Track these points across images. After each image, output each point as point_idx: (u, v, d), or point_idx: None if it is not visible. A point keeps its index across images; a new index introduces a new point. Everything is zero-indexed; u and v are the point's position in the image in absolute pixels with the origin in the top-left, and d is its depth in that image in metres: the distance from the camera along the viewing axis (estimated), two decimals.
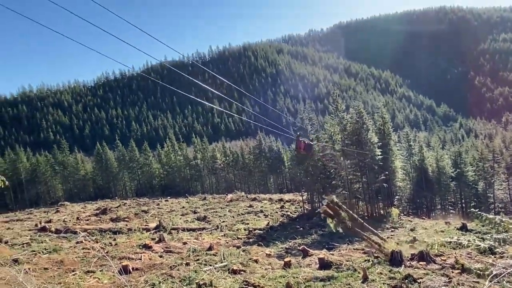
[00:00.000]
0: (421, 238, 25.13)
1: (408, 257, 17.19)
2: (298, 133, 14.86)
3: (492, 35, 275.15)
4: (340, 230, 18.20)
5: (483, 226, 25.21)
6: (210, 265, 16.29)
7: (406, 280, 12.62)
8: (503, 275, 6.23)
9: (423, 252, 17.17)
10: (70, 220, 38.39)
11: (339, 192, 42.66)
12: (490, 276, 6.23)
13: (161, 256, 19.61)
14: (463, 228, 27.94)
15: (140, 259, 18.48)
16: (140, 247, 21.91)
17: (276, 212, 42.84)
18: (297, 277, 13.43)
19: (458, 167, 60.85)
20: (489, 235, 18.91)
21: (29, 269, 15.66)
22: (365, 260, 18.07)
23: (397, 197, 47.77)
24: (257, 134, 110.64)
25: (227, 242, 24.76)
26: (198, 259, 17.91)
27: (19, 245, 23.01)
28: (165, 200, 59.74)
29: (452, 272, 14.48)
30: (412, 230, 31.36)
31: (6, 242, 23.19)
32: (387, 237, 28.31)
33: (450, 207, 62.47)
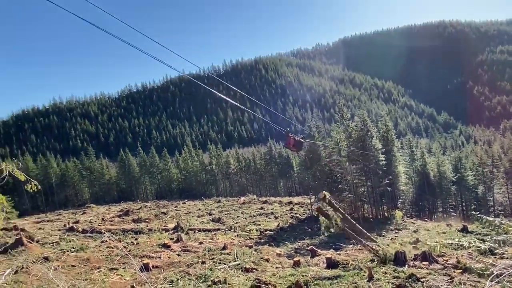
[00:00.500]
0: (423, 239, 24.67)
1: (411, 257, 16.90)
2: (287, 129, 13.77)
3: (489, 47, 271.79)
4: (332, 231, 17.33)
5: (483, 228, 24.69)
6: (224, 264, 16.26)
7: (410, 279, 12.40)
8: (504, 275, 6.07)
9: (426, 253, 16.87)
10: (95, 221, 38.75)
11: (345, 195, 42.25)
12: (491, 276, 6.07)
13: (179, 255, 19.64)
14: (464, 230, 27.40)
15: (160, 258, 18.53)
16: (160, 246, 22.01)
17: (286, 214, 42.58)
18: (306, 276, 13.31)
19: (458, 171, 59.86)
20: (489, 237, 18.50)
21: (58, 266, 15.83)
22: (371, 260, 17.83)
23: (400, 200, 47.07)
24: (268, 141, 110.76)
25: (240, 242, 24.68)
26: (213, 258, 17.90)
27: (49, 244, 23.33)
28: (183, 203, 59.89)
29: (454, 272, 14.20)
30: (415, 231, 30.85)
31: (37, 241, 23.54)
32: (391, 238, 27.89)
33: (451, 210, 61.34)
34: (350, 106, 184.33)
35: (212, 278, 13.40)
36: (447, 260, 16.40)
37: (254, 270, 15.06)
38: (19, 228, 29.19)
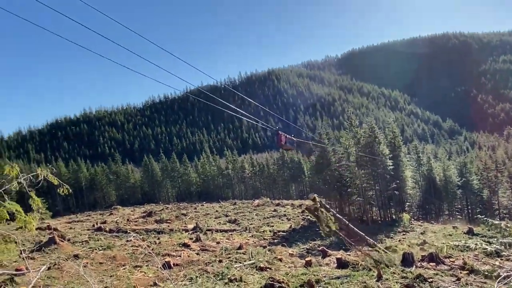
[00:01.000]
0: (430, 241, 24.03)
1: (419, 258, 16.49)
2: (277, 127, 13.23)
3: (492, 56, 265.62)
4: (329, 234, 16.64)
5: (488, 230, 23.93)
6: (240, 263, 16.17)
7: (418, 280, 12.07)
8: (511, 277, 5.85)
9: (433, 254, 16.44)
10: (121, 222, 39.13)
11: (355, 198, 41.67)
12: (499, 278, 5.84)
13: (197, 254, 19.64)
14: (470, 232, 26.59)
15: (180, 256, 18.56)
16: (180, 245, 22.05)
17: (298, 216, 42.17)
18: (317, 275, 13.11)
19: (463, 176, 58.37)
20: (495, 239, 17.89)
21: (87, 263, 16.03)
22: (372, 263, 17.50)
23: (407, 203, 46.14)
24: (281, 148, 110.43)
25: (255, 242, 24.55)
26: (229, 257, 17.82)
27: (79, 243, 23.66)
28: (201, 205, 60.10)
29: (461, 272, 13.79)
30: (422, 233, 30.11)
31: (68, 240, 23.90)
32: (399, 240, 27.28)
33: (457, 213, 59.73)
34: (358, 114, 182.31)
35: (228, 276, 13.33)
36: (453, 261, 15.94)
37: (268, 269, 14.92)
38: (52, 228, 29.68)
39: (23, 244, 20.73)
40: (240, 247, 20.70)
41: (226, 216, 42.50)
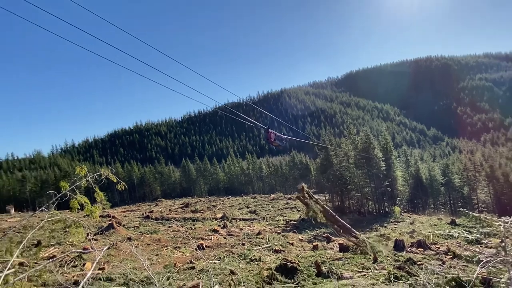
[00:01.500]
0: (418, 230, 23.15)
1: (409, 244, 15.92)
2: (266, 126, 11.91)
3: (469, 75, 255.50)
4: (318, 220, 15.04)
5: (469, 222, 22.87)
6: (259, 246, 16.06)
7: (408, 262, 11.64)
8: (492, 262, 5.54)
9: (421, 241, 15.85)
10: (164, 211, 39.69)
11: (353, 194, 40.73)
12: (481, 263, 5.53)
13: (225, 238, 19.66)
14: (453, 223, 25.46)
15: (211, 240, 18.63)
16: (211, 231, 22.16)
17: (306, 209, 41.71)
18: (323, 257, 12.85)
19: (446, 175, 56.03)
20: (475, 229, 17.10)
21: (138, 244, 16.33)
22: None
23: (398, 198, 44.63)
24: (291, 152, 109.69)
25: (271, 229, 24.36)
26: (250, 241, 17.75)
27: (131, 228, 24.12)
28: (227, 198, 60.27)
29: (445, 257, 13.24)
30: (411, 223, 29.04)
31: (123, 225, 24.43)
32: (391, 229, 26.39)
33: (441, 206, 57.24)
34: (356, 124, 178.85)
35: (250, 256, 13.26)
36: (439, 248, 15.31)
37: (282, 251, 14.75)
38: (111, 216, 30.33)
39: (89, 229, 21.33)
40: (259, 233, 20.59)
41: (247, 207, 42.43)
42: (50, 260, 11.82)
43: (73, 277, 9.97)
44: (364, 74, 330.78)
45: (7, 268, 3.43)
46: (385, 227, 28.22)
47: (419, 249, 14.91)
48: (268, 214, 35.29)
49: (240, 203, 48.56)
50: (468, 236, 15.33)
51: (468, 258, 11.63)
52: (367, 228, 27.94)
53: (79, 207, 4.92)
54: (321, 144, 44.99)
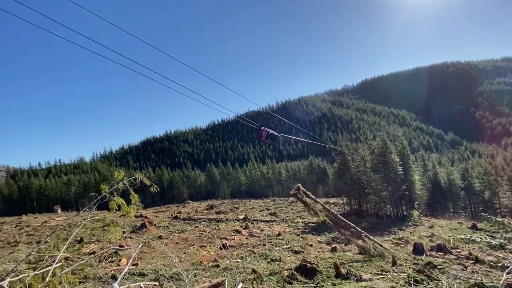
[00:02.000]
0: (438, 234, 21.85)
1: (428, 248, 15.04)
2: (259, 123, 10.78)
3: (488, 79, 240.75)
4: (315, 219, 14.06)
5: (491, 226, 21.24)
6: (279, 246, 15.84)
7: (428, 266, 10.95)
8: None
9: (441, 245, 14.90)
10: (191, 212, 40.23)
11: (371, 197, 39.30)
12: (508, 269, 5.11)
13: (247, 238, 19.59)
14: (474, 227, 23.78)
15: (234, 240, 18.63)
16: (233, 231, 22.15)
17: None
18: (341, 259, 12.44)
19: (466, 179, 52.61)
20: (498, 234, 15.89)
21: (167, 242, 16.65)
22: (394, 249, 16.18)
23: (416, 202, 42.46)
24: (309, 157, 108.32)
25: (290, 231, 23.99)
26: (271, 242, 17.55)
27: (162, 227, 24.64)
28: (249, 201, 60.23)
29: (467, 262, 12.33)
30: (430, 227, 27.44)
31: (155, 225, 25.02)
32: (410, 232, 25.12)
33: (461, 210, 53.66)
34: (372, 130, 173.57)
35: (270, 257, 13.11)
36: (460, 252, 14.34)
37: (301, 252, 14.45)
38: (143, 216, 31.02)
39: (124, 227, 22.03)
40: (279, 234, 20.35)
41: (268, 210, 42.13)
42: (91, 256, 12.32)
43: (110, 271, 10.32)
44: (379, 81, 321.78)
45: (55, 262, 3.61)
46: (403, 230, 26.92)
47: (439, 253, 14.03)
48: (287, 216, 34.85)
49: (260, 206, 48.35)
50: (491, 241, 14.23)
51: (491, 263, 10.78)
52: (385, 231, 26.78)
53: (116, 208, 5.13)
54: (337, 148, 43.98)
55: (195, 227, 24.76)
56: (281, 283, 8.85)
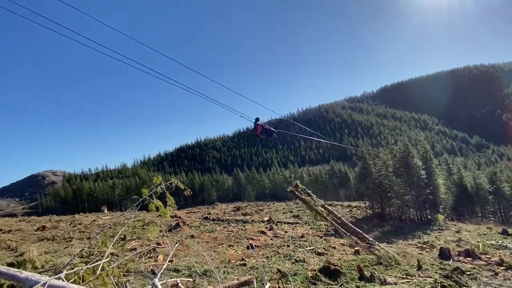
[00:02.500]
0: (465, 239, 20.09)
1: (455, 253, 13.85)
2: (256, 118, 9.78)
3: None
4: (312, 214, 12.40)
5: None
6: (303, 248, 15.49)
7: (456, 272, 10.06)
8: None
9: (469, 250, 13.65)
10: (220, 213, 40.56)
11: (393, 201, 37.24)
12: None
13: (271, 239, 19.39)
14: (504, 232, 21.57)
15: (259, 240, 18.53)
16: (259, 232, 22.05)
17: (346, 214, 39.15)
18: (365, 261, 11.84)
19: (494, 183, 48.02)
20: None
21: (199, 241, 16.96)
22: (419, 253, 15.14)
23: (441, 206, 39.46)
24: (330, 161, 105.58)
25: (313, 233, 23.38)
26: (294, 243, 17.22)
27: (194, 227, 25.14)
28: (272, 204, 59.72)
29: (498, 268, 11.14)
30: (457, 232, 25.30)
31: (187, 225, 25.58)
32: (435, 237, 23.35)
33: (489, 215, 48.88)
34: (393, 134, 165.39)
35: (294, 257, 12.84)
36: (490, 258, 13.03)
37: (325, 254, 13.99)
38: (177, 216, 31.90)
39: (161, 226, 22.83)
40: (302, 236, 19.91)
41: (291, 212, 41.47)
42: (133, 251, 12.88)
43: (149, 266, 10.70)
44: (399, 87, 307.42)
45: (104, 257, 3.84)
46: (428, 234, 25.09)
47: (467, 258, 12.86)
48: (310, 219, 33.96)
49: (284, 208, 47.73)
50: None
51: None
52: (409, 235, 25.12)
53: (155, 209, 5.35)
54: (358, 149, 42.40)
55: (224, 227, 24.97)
56: (306, 284, 8.62)
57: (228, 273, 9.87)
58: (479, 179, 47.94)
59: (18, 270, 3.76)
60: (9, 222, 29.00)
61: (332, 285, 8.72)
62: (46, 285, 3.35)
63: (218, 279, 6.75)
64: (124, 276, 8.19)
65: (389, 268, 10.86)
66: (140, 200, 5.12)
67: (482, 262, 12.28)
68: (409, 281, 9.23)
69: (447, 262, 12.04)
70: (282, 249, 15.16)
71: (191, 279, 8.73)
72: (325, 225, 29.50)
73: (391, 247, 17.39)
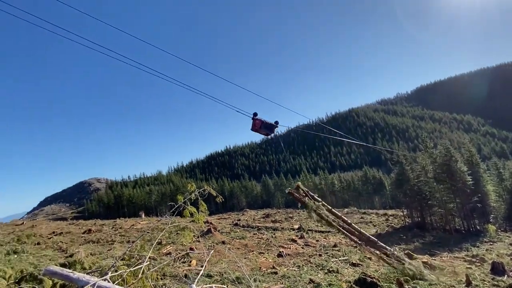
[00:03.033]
0: None
1: (510, 268, 12.24)
2: (254, 112, 8.93)
3: None
4: (314, 218, 10.83)
5: None
6: (336, 258, 14.82)
7: None
8: None
9: None
10: (249, 220, 40.56)
11: (435, 210, 34.25)
12: None
13: (302, 248, 18.87)
14: None
15: (290, 248, 18.15)
16: (289, 240, 21.62)
17: (382, 223, 36.80)
18: (405, 275, 10.92)
19: None
20: None
21: (230, 247, 17.10)
22: (467, 267, 13.66)
23: (492, 215, 35.28)
24: (363, 167, 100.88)
25: (346, 242, 22.27)
26: (327, 253, 16.55)
27: (225, 233, 25.40)
28: (302, 211, 58.19)
29: None
30: (511, 244, 22.39)
31: (218, 230, 25.94)
32: (486, 249, 20.88)
33: None
34: (432, 137, 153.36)
35: (327, 267, 12.33)
36: None
37: (360, 265, 13.24)
38: (209, 222, 32.61)
39: (194, 232, 23.45)
40: (335, 245, 19.09)
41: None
42: (168, 256, 13.39)
43: (183, 271, 11.02)
44: (436, 86, 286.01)
45: (144, 261, 4.05)
46: (477, 247, 22.53)
47: None
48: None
49: None
50: None
51: None
52: (456, 247, 22.78)
53: (189, 215, 5.54)
54: (394, 151, 39.92)
55: (253, 234, 24.89)
56: None
57: (259, 281, 9.77)
58: None
59: (70, 271, 4.12)
60: (61, 226, 32.02)
61: None
62: (95, 286, 3.61)
63: (253, 286, 6.71)
64: (160, 279, 8.52)
65: (434, 283, 9.92)
66: (176, 206, 5.34)
67: None
68: None
69: (500, 278, 10.69)
70: (314, 258, 14.67)
71: (224, 286, 8.80)
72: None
73: (435, 259, 15.93)
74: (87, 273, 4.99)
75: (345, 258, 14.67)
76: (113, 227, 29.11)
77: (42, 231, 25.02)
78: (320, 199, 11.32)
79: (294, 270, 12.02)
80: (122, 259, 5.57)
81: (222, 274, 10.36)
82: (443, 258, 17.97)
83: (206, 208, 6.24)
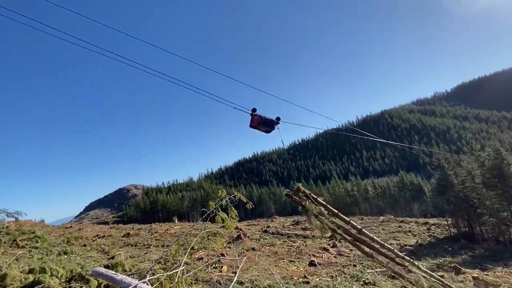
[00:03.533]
0: None
1: None
2: (253, 108, 8.33)
3: None
4: (314, 224, 8.38)
5: None
6: (372, 269, 13.97)
7: None
8: None
9: None
10: (279, 227, 40.06)
11: (486, 219, 30.81)
12: None
13: (335, 257, 18.11)
14: None
15: (322, 257, 17.54)
16: (321, 249, 20.91)
17: (424, 233, 33.94)
18: None
19: None
20: None
21: (259, 254, 17.00)
22: None
23: None
24: (399, 172, 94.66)
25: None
26: (361, 263, 15.69)
27: (254, 239, 25.37)
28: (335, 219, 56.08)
29: None
30: None
31: (248, 237, 25.98)
32: None
33: None
34: (478, 139, 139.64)
35: (363, 279, 11.67)
36: None
37: (399, 279, 12.28)
38: (239, 228, 32.77)
39: (225, 238, 23.76)
40: (371, 256, 18.00)
41: (355, 228, 38.08)
42: (200, 261, 13.70)
43: (215, 276, 11.19)
44: (480, 83, 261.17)
45: (180, 266, 4.21)
46: None
47: None
48: (378, 236, 30.58)
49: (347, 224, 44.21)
50: None
51: None
52: (511, 261, 20.16)
53: (221, 221, 5.66)
54: (438, 151, 36.92)
55: (283, 241, 24.52)
56: None
57: None
58: None
59: (114, 272, 4.43)
60: (103, 229, 34.58)
61: None
62: None
63: None
64: (194, 284, 8.74)
65: None
66: (208, 212, 5.49)
67: None
68: None
69: None
70: (348, 268, 13.98)
71: None
72: (397, 244, 26.17)
73: (487, 275, 14.26)
74: (128, 275, 5.32)
75: (382, 269, 13.75)
76: (149, 232, 30.67)
77: (87, 234, 27.24)
78: (324, 202, 9.15)
79: (327, 280, 11.55)
80: (158, 263, 5.84)
81: (253, 281, 10.31)
82: (497, 273, 15.99)
83: (237, 214, 6.32)
